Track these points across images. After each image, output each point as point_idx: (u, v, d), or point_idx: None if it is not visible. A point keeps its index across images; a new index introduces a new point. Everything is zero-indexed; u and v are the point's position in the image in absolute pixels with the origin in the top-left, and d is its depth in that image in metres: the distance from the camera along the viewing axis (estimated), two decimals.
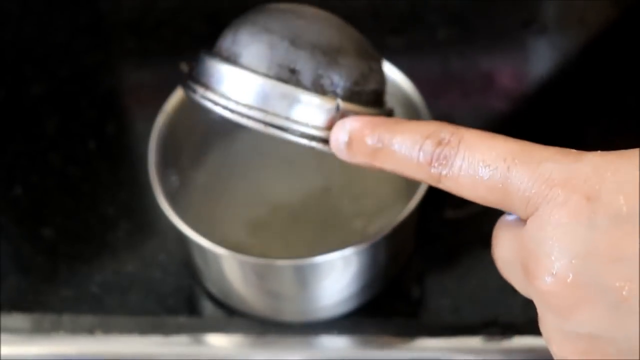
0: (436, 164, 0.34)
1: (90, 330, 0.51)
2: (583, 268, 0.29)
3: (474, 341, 0.50)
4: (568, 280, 0.30)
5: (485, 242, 0.55)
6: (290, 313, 0.51)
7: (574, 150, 0.31)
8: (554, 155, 0.31)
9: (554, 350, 0.31)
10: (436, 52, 0.64)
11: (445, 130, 0.34)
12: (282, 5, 0.40)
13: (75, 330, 0.51)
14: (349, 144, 0.37)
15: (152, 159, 0.49)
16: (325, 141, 0.38)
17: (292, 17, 0.39)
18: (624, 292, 0.29)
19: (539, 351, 0.48)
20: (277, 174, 0.55)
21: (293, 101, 0.38)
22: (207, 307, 0.53)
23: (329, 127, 0.38)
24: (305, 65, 0.38)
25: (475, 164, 0.33)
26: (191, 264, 0.52)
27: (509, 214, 0.33)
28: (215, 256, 0.47)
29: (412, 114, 0.51)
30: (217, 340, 0.51)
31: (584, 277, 0.29)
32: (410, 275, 0.53)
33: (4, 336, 0.50)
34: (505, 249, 0.33)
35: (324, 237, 0.53)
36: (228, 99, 0.38)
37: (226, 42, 0.40)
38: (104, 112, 0.61)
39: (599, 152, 0.31)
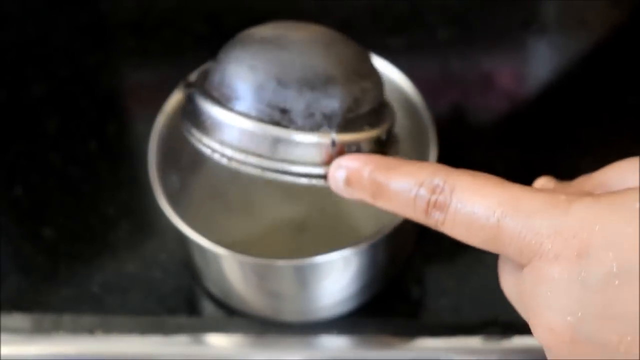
0: (432, 210, 0.34)
1: (90, 330, 0.51)
2: (579, 325, 0.30)
3: (474, 341, 0.50)
4: (566, 337, 0.30)
5: None
6: (290, 313, 0.51)
7: (562, 197, 0.31)
8: (542, 206, 0.31)
9: None
10: (436, 52, 0.64)
11: (439, 177, 0.34)
12: (266, 33, 0.39)
13: (76, 330, 0.51)
14: (347, 182, 0.37)
15: (153, 159, 0.49)
16: (325, 177, 0.38)
17: (276, 50, 0.38)
18: (621, 347, 0.29)
19: (539, 351, 0.48)
20: None
21: (287, 143, 0.38)
22: (207, 307, 0.53)
23: (327, 162, 0.38)
24: (295, 103, 0.37)
25: (468, 215, 0.33)
26: (191, 264, 0.52)
27: None
28: (215, 256, 0.47)
29: (412, 114, 0.51)
30: (217, 340, 0.51)
31: (581, 334, 0.30)
32: (410, 275, 0.53)
33: (4, 336, 0.50)
34: (509, 287, 0.34)
35: (325, 237, 0.54)
36: (223, 144, 0.38)
37: (215, 80, 0.39)
38: (104, 112, 0.61)
39: (587, 200, 0.31)
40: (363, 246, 0.46)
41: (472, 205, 0.33)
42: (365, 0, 0.65)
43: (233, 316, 0.52)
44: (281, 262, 0.46)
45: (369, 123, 0.39)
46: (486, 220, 0.32)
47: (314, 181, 0.38)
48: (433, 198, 0.34)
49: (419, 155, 0.50)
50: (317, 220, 0.54)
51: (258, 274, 0.48)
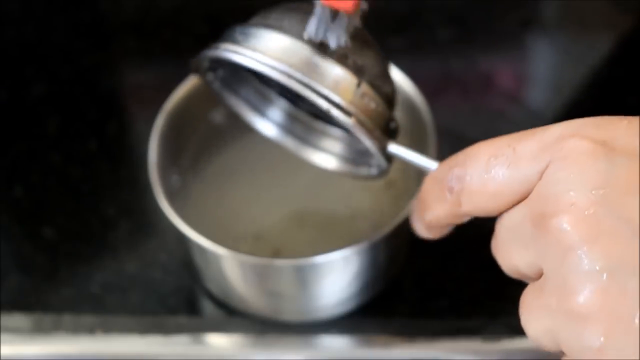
0: (454, 186, 0.34)
1: (90, 330, 0.51)
2: (603, 199, 0.29)
3: (474, 341, 0.50)
4: (586, 213, 0.29)
5: (485, 242, 0.55)
6: (290, 313, 0.51)
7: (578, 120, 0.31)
8: (557, 124, 0.31)
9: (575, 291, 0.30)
10: (436, 52, 0.64)
11: (455, 155, 0.35)
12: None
13: (76, 330, 0.51)
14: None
15: (153, 159, 0.49)
16: (342, 109, 0.39)
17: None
18: None
19: (539, 351, 0.48)
20: (278, 175, 0.55)
21: (319, 66, 0.39)
22: (207, 307, 0.53)
23: (348, 99, 0.39)
24: (334, 42, 0.39)
25: (481, 162, 0.33)
26: (191, 264, 0.52)
27: None
28: (215, 256, 0.47)
29: (413, 114, 0.51)
30: (217, 340, 0.51)
31: (603, 208, 0.29)
32: (410, 276, 0.53)
33: (4, 336, 0.50)
34: (514, 212, 0.32)
35: (325, 237, 0.54)
36: (255, 50, 0.39)
37: (254, 18, 0.41)
38: (104, 112, 0.62)
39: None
40: (363, 246, 0.46)
41: (486, 150, 0.33)
42: (365, 0, 0.65)
43: (233, 316, 0.52)
44: (281, 262, 0.46)
45: (386, 103, 0.41)
46: (502, 155, 0.32)
47: (333, 110, 0.39)
48: (451, 173, 0.34)
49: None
50: (318, 220, 0.54)
51: (258, 274, 0.48)
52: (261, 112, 0.48)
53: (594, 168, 0.29)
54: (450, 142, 0.56)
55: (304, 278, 0.48)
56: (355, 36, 0.40)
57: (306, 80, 0.39)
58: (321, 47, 0.39)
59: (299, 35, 0.39)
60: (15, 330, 0.51)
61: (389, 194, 0.54)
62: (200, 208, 0.54)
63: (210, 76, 0.45)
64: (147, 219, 0.56)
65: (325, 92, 0.39)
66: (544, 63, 0.63)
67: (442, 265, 0.53)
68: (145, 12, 0.66)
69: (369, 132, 0.40)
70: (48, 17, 0.66)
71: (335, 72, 0.39)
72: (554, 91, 0.61)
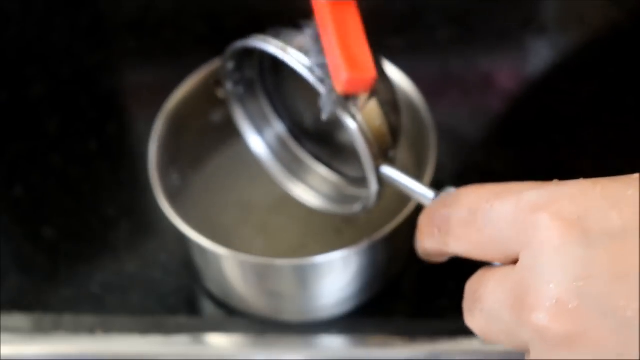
0: (441, 226, 0.34)
1: (90, 330, 0.51)
2: (587, 290, 0.28)
3: (474, 341, 0.50)
4: (570, 306, 0.28)
5: None
6: (290, 313, 0.51)
7: (555, 181, 0.31)
8: (534, 185, 0.31)
9: None
10: (436, 52, 0.64)
11: (450, 194, 0.35)
12: None
13: (76, 329, 0.51)
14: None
15: (153, 159, 0.49)
16: (348, 111, 0.39)
17: None
18: (628, 312, 0.28)
19: None
20: None
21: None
22: (207, 307, 0.53)
23: (357, 106, 0.39)
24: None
25: (464, 212, 0.33)
26: (191, 264, 0.52)
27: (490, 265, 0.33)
28: (215, 256, 0.47)
29: (413, 114, 0.51)
30: (217, 340, 0.51)
31: (587, 300, 0.28)
32: (410, 275, 0.53)
33: (4, 336, 0.50)
34: (492, 295, 0.32)
35: (325, 237, 0.54)
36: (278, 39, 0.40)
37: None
38: (104, 112, 0.61)
39: (581, 179, 0.30)
40: (363, 246, 0.46)
41: (468, 200, 0.33)
42: (365, 1, 0.65)
43: (233, 316, 0.52)
44: (281, 262, 0.46)
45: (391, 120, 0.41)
46: (481, 209, 0.32)
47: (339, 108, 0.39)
48: (441, 211, 0.35)
49: (419, 155, 0.50)
50: (318, 220, 0.54)
51: (258, 274, 0.48)
52: (260, 132, 0.49)
53: (571, 256, 0.28)
54: (450, 142, 0.56)
55: (304, 278, 0.48)
56: (377, 65, 0.40)
57: (320, 73, 0.39)
58: None
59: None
60: (15, 330, 0.51)
61: (390, 194, 0.54)
62: (200, 208, 0.54)
63: (229, 85, 0.46)
64: (147, 219, 0.56)
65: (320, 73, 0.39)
66: (544, 63, 0.63)
67: (442, 265, 0.53)
68: (145, 12, 0.66)
69: (369, 143, 0.40)
70: (48, 17, 0.66)
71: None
72: (554, 91, 0.61)
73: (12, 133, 0.60)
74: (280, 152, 0.49)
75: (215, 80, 0.47)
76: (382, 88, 0.41)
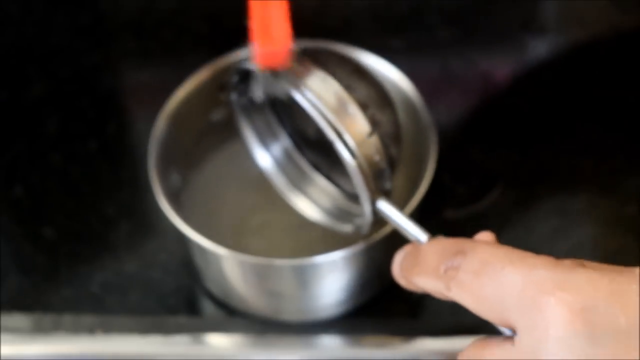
0: (449, 271, 0.35)
1: (90, 330, 0.51)
2: None
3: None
4: None
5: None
6: (290, 313, 0.51)
7: (567, 261, 0.31)
8: (547, 263, 0.32)
9: None
10: (436, 52, 0.64)
11: (466, 242, 0.36)
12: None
13: (76, 329, 0.51)
14: (401, 264, 0.40)
15: (153, 159, 0.49)
16: (348, 148, 0.40)
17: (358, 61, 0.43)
18: None
19: None
20: None
21: (341, 99, 0.40)
22: (207, 307, 0.53)
23: (357, 142, 0.40)
24: (361, 92, 0.41)
25: (476, 264, 0.34)
26: (191, 264, 0.52)
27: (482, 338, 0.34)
28: (215, 256, 0.47)
29: (412, 114, 0.51)
30: (217, 340, 0.51)
31: None
32: None
33: (4, 336, 0.50)
34: None
35: (325, 237, 0.53)
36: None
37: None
38: (104, 112, 0.61)
39: (594, 264, 0.31)
40: (363, 246, 0.46)
41: (483, 254, 0.34)
42: (365, 0, 0.65)
43: (233, 316, 0.52)
44: (281, 262, 0.46)
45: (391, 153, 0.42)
46: (492, 265, 0.33)
47: (338, 144, 0.40)
48: (453, 259, 0.35)
49: (419, 156, 0.50)
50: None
51: (258, 274, 0.48)
52: (264, 143, 0.49)
53: (575, 350, 0.29)
54: (450, 142, 0.56)
55: (304, 278, 0.48)
56: (381, 96, 0.42)
57: (322, 107, 0.40)
58: (348, 89, 0.40)
59: (329, 71, 0.40)
60: (15, 330, 0.51)
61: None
62: (200, 208, 0.54)
63: (234, 96, 0.46)
64: (147, 219, 0.56)
65: (338, 125, 0.40)
66: (544, 63, 0.63)
67: None
68: (145, 12, 0.66)
69: (366, 179, 0.41)
70: (48, 17, 0.66)
71: (353, 112, 0.40)
72: (554, 91, 0.61)
73: (12, 133, 0.60)
74: (284, 163, 0.50)
75: (220, 84, 0.47)
76: (386, 120, 0.41)
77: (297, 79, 0.40)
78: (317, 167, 0.49)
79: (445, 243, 0.37)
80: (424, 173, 0.48)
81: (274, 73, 0.40)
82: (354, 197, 0.47)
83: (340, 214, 0.48)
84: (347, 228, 0.47)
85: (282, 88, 0.41)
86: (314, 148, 0.48)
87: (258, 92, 0.45)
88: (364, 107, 0.40)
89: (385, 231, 0.46)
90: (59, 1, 0.67)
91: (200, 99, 0.53)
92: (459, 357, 0.36)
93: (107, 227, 0.55)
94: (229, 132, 0.55)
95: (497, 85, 0.62)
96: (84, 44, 0.65)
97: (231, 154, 0.56)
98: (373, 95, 0.41)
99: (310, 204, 0.49)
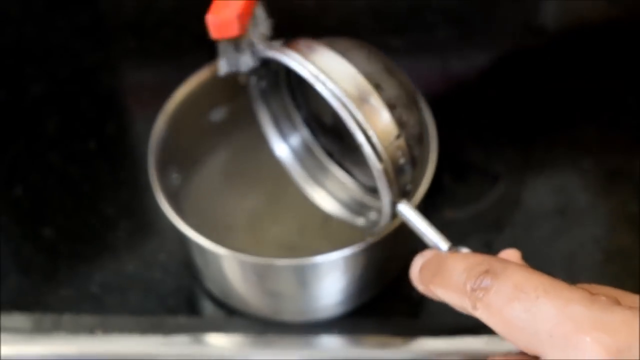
0: (478, 290, 0.34)
1: (90, 330, 0.51)
2: None
3: (474, 341, 0.50)
4: None
5: (484, 241, 0.55)
6: (290, 313, 0.51)
7: (603, 298, 0.31)
8: (583, 298, 0.31)
9: None
10: (436, 52, 0.64)
11: (496, 262, 0.35)
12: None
13: (76, 330, 0.51)
14: (421, 270, 0.39)
15: (152, 159, 0.49)
16: (376, 151, 0.39)
17: (387, 57, 0.42)
18: None
19: None
20: (278, 174, 0.55)
21: (369, 102, 0.39)
22: (207, 307, 0.53)
23: (385, 146, 0.39)
24: (390, 92, 0.40)
25: (508, 288, 0.33)
26: (191, 264, 0.52)
27: None
28: (215, 256, 0.47)
29: None
30: (217, 340, 0.51)
31: None
32: None
33: (4, 336, 0.50)
34: None
35: (326, 237, 0.54)
36: (314, 65, 0.40)
37: (324, 39, 0.41)
38: (104, 112, 0.61)
39: (629, 304, 0.31)
40: (363, 246, 0.46)
41: (516, 279, 0.33)
42: (365, 0, 0.65)
43: (233, 316, 0.52)
44: (281, 262, 0.46)
45: (415, 154, 0.42)
46: (525, 293, 0.32)
47: (366, 147, 0.39)
48: (482, 278, 0.34)
49: (419, 155, 0.50)
50: (317, 221, 0.54)
51: (258, 274, 0.48)
52: (282, 134, 0.48)
53: None
54: (450, 142, 0.56)
55: (304, 278, 0.48)
56: (408, 95, 0.41)
57: (352, 107, 0.39)
58: (377, 88, 0.40)
59: (359, 67, 0.40)
60: (15, 330, 0.51)
61: None
62: (200, 208, 0.54)
63: (253, 80, 0.46)
64: (147, 219, 0.56)
65: (367, 126, 0.39)
66: (544, 63, 0.63)
67: None
68: (145, 12, 0.66)
69: (390, 184, 0.40)
70: (48, 17, 0.66)
71: (383, 115, 0.39)
72: (554, 91, 0.61)
73: (12, 133, 0.60)
74: (301, 154, 0.49)
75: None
76: (412, 121, 0.41)
77: (296, 54, 0.40)
78: (331, 154, 0.49)
79: (472, 259, 0.36)
80: (424, 173, 0.48)
81: (236, 43, 0.40)
82: (370, 190, 0.47)
83: (356, 207, 0.48)
84: (361, 222, 0.46)
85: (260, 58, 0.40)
86: (329, 134, 0.48)
87: (246, 61, 0.43)
88: (392, 107, 0.40)
89: (385, 231, 0.46)
90: (59, 1, 0.67)
91: (200, 99, 0.53)
92: None
93: (106, 227, 0.55)
94: (229, 132, 0.55)
95: (497, 85, 0.62)
96: (84, 44, 0.65)
97: (231, 154, 0.56)
98: (402, 95, 0.40)
99: (327, 196, 0.49)
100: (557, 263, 0.53)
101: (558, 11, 0.66)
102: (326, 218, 0.54)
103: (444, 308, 0.52)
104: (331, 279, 0.48)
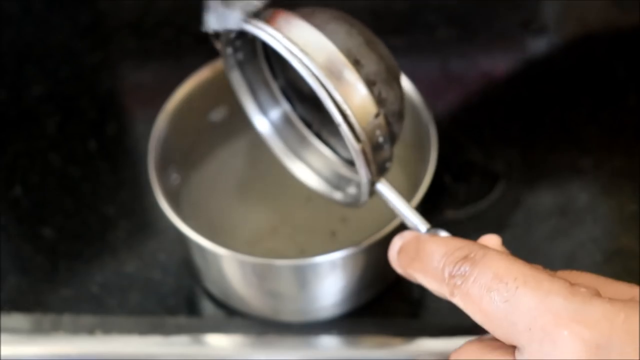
0: (456, 277, 0.34)
1: (90, 330, 0.51)
2: None
3: None
4: None
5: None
6: (290, 313, 0.51)
7: (583, 289, 0.31)
8: (563, 290, 0.31)
9: None
10: (436, 52, 0.64)
11: (475, 248, 0.34)
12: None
13: (75, 330, 0.51)
14: (399, 252, 0.39)
15: (152, 159, 0.49)
16: (354, 131, 0.38)
17: (368, 29, 0.41)
18: None
19: None
20: (278, 174, 0.55)
21: (346, 80, 0.38)
22: (207, 307, 0.53)
23: (363, 126, 0.38)
24: (369, 67, 0.39)
25: (487, 277, 0.33)
26: (191, 264, 0.52)
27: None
28: (215, 256, 0.47)
29: (412, 114, 0.51)
30: (217, 340, 0.51)
31: None
32: None
33: (4, 336, 0.50)
34: None
35: (325, 237, 0.54)
36: (290, 39, 0.38)
37: (299, 11, 0.40)
38: (104, 112, 0.61)
39: (610, 295, 0.30)
40: (363, 246, 0.46)
41: (496, 268, 0.32)
42: (365, 0, 0.65)
43: (233, 316, 0.52)
44: (281, 262, 0.46)
45: (394, 131, 0.41)
46: (505, 285, 0.32)
47: (344, 127, 0.38)
48: (460, 264, 0.34)
49: (419, 156, 0.50)
50: (317, 220, 0.54)
51: (258, 274, 0.48)
52: (262, 108, 0.48)
53: None
54: (450, 142, 0.56)
55: (303, 278, 0.48)
56: (389, 69, 0.40)
57: (330, 87, 0.38)
58: (356, 65, 0.38)
59: (338, 43, 0.39)
60: (15, 331, 0.51)
61: None
62: (200, 208, 0.54)
63: (229, 51, 0.44)
64: (147, 219, 0.56)
65: (345, 107, 0.38)
66: (544, 63, 0.63)
67: None
68: (145, 12, 0.66)
69: (368, 164, 0.40)
70: (48, 17, 0.66)
71: (361, 92, 0.38)
72: (554, 91, 0.61)
73: (12, 133, 0.60)
74: (281, 125, 0.48)
75: (214, 32, 0.45)
76: (392, 97, 0.40)
77: (272, 29, 0.39)
78: (309, 125, 0.48)
79: (452, 244, 0.35)
80: (424, 173, 0.48)
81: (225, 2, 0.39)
82: (349, 162, 0.46)
83: (336, 180, 0.47)
84: (340, 196, 0.46)
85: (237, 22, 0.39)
86: (307, 103, 0.47)
87: (210, 23, 0.42)
88: (371, 84, 0.39)
89: (385, 231, 0.46)
90: (59, 1, 0.67)
91: (200, 99, 0.52)
92: (452, 357, 0.35)
93: (106, 227, 0.55)
94: (228, 132, 0.55)
95: (497, 85, 0.62)
96: (84, 44, 0.65)
97: (231, 154, 0.56)
98: (382, 70, 0.39)
99: (307, 169, 0.48)
100: (557, 263, 0.53)
101: (558, 11, 0.66)
102: (327, 218, 0.54)
103: (444, 308, 0.52)
104: (331, 279, 0.48)
